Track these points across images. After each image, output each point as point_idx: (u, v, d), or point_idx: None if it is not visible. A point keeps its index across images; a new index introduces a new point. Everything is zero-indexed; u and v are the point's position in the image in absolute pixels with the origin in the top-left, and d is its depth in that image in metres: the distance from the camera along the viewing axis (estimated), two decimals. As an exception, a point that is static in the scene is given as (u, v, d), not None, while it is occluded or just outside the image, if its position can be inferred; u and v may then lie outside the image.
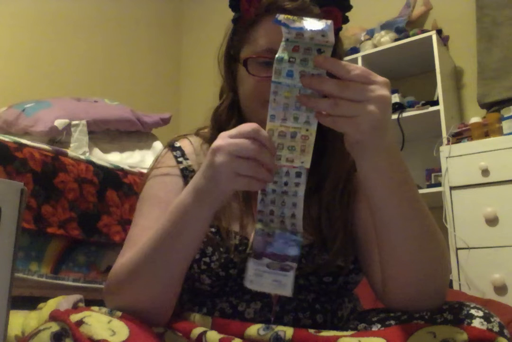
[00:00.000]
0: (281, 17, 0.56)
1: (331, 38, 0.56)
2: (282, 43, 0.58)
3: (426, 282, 0.67)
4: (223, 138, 0.60)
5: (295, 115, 0.59)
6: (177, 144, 0.89)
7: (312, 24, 0.56)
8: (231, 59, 0.87)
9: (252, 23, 0.82)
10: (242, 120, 0.85)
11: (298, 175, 0.61)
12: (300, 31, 0.56)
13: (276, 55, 0.58)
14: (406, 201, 0.64)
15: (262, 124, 0.81)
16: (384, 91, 0.57)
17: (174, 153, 0.87)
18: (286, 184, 0.61)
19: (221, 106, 0.88)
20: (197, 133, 0.91)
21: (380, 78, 0.57)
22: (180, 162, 0.86)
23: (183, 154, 0.87)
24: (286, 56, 0.57)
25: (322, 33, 0.55)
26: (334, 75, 0.57)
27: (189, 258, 0.70)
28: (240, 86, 0.84)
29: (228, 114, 0.87)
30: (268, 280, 0.61)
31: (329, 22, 0.56)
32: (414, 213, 0.65)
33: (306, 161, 0.60)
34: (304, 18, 0.56)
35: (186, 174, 0.84)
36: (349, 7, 0.82)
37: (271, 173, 0.60)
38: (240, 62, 0.82)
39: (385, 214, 0.65)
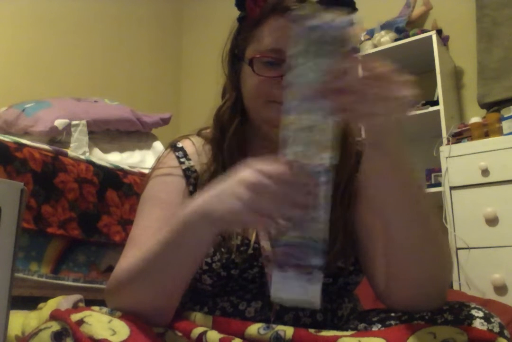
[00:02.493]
0: (295, 13, 0.53)
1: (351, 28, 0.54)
2: (294, 34, 0.54)
3: (428, 283, 0.67)
4: (253, 172, 0.58)
5: (312, 109, 0.56)
6: (180, 144, 0.88)
7: (329, 22, 0.52)
8: (235, 58, 0.86)
9: (257, 22, 0.81)
10: (244, 120, 0.85)
11: (319, 173, 0.57)
12: (317, 30, 0.53)
13: (291, 48, 0.54)
14: (411, 202, 0.64)
15: (265, 124, 0.80)
16: (407, 91, 0.55)
17: (177, 153, 0.87)
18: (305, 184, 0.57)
19: (223, 106, 0.87)
20: (199, 134, 0.91)
21: (403, 77, 0.56)
22: (183, 162, 0.85)
23: (185, 155, 0.86)
24: (302, 49, 0.54)
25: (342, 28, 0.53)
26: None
27: (192, 270, 0.69)
28: (244, 85, 0.84)
29: (231, 114, 0.86)
30: (294, 288, 0.56)
31: (350, 17, 0.53)
32: (418, 214, 0.65)
33: (326, 157, 0.56)
34: (320, 11, 0.53)
35: (189, 174, 0.84)
36: (355, 10, 0.81)
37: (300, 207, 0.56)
38: (245, 61, 0.82)
39: (388, 214, 0.65)
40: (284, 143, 0.57)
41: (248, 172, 0.59)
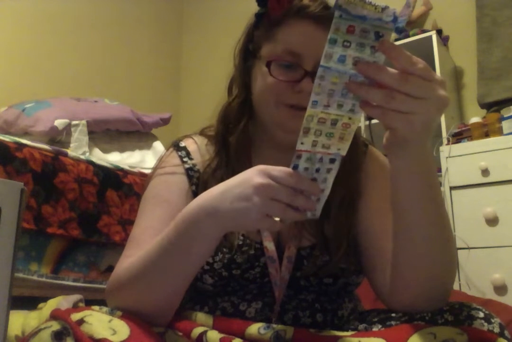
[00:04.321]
0: (341, 0, 0.49)
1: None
2: (335, 20, 0.50)
3: (435, 283, 0.66)
4: (262, 175, 0.59)
5: (340, 103, 0.55)
6: (182, 144, 0.88)
7: (376, 13, 0.50)
8: (249, 54, 0.84)
9: (278, 22, 0.79)
10: (253, 119, 0.85)
11: (332, 161, 0.59)
12: (362, 21, 0.50)
13: (329, 36, 0.51)
14: (433, 204, 0.64)
15: (275, 126, 0.80)
16: (443, 92, 0.54)
17: (179, 153, 0.86)
18: (317, 170, 0.59)
19: (233, 102, 0.86)
20: (201, 133, 0.90)
21: (438, 77, 0.54)
22: (185, 162, 0.85)
23: (188, 154, 0.86)
24: (340, 39, 0.51)
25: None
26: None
27: (195, 270, 0.69)
28: (255, 83, 0.82)
29: (239, 111, 0.85)
30: None
31: (395, 10, 0.52)
32: (438, 217, 0.64)
33: (343, 148, 0.58)
34: (367, 0, 0.50)
35: (191, 174, 0.83)
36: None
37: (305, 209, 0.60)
38: (259, 59, 0.80)
39: (410, 216, 0.64)
40: (305, 133, 0.57)
41: (257, 175, 0.59)
